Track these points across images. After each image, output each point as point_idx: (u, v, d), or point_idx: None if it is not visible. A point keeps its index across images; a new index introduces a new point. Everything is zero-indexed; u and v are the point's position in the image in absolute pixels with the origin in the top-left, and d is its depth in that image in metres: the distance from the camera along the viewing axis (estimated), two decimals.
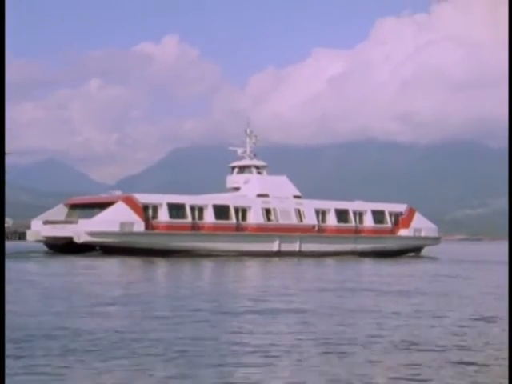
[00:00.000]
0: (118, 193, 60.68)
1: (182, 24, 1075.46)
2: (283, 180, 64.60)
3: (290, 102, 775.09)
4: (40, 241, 59.42)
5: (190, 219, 57.43)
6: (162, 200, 57.25)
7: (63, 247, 56.41)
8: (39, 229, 58.82)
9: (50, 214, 60.59)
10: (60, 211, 60.95)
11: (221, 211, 58.74)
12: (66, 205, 61.46)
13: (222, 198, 60.59)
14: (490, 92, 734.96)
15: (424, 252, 67.75)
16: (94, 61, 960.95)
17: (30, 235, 60.72)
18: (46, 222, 58.57)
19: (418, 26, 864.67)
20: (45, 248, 59.46)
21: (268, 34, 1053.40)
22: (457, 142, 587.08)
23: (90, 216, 57.44)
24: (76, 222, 55.57)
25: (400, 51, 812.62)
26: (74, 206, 61.20)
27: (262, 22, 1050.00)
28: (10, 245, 63.46)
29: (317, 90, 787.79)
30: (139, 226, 55.18)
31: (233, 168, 65.58)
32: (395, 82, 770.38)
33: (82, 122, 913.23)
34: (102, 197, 60.70)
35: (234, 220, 59.15)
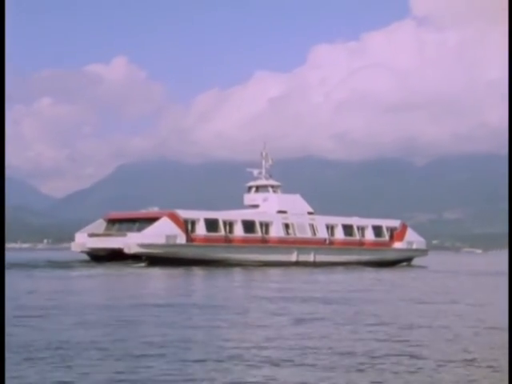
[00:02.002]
0: (156, 209, 63.64)
1: (130, 46, 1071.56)
2: (297, 198, 68.84)
3: (232, 121, 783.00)
4: (84, 252, 61.96)
5: (223, 233, 61.14)
6: (200, 216, 60.81)
7: (106, 257, 59.06)
8: (84, 241, 61.44)
9: (92, 228, 63.26)
10: (99, 225, 63.63)
11: (248, 226, 62.61)
12: (105, 219, 64.17)
13: (248, 214, 64.34)
14: (415, 114, 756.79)
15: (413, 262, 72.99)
16: (45, 80, 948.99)
17: (74, 246, 63.08)
18: (91, 235, 61.27)
19: (350, 53, 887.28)
20: (86, 258, 62.01)
21: (213, 56, 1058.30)
22: (386, 160, 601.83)
23: (129, 230, 60.41)
24: (124, 235, 58.32)
25: (334, 75, 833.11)
26: (112, 221, 63.86)
27: (207, 45, 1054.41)
28: (49, 254, 66.24)
29: (258, 110, 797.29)
30: (181, 238, 58.63)
31: (250, 187, 69.49)
32: (330, 103, 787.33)
33: (33, 138, 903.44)
34: (142, 212, 63.67)
35: (259, 233, 63.11)
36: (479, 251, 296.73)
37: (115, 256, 57.87)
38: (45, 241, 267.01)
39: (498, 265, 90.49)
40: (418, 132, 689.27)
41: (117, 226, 63.19)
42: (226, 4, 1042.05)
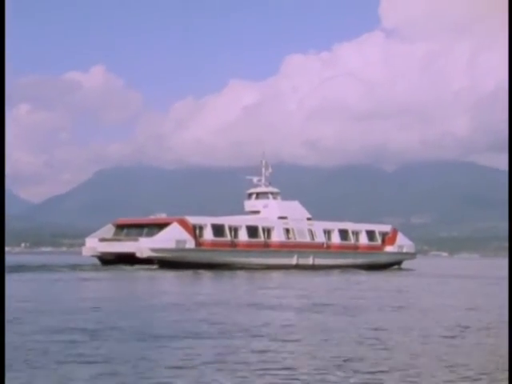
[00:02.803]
0: (164, 215, 64.91)
1: (108, 55, 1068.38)
2: (296, 204, 70.55)
3: (208, 128, 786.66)
4: (94, 256, 63.10)
5: (228, 238, 62.68)
6: (207, 221, 62.26)
7: (116, 261, 60.29)
8: (95, 245, 62.63)
9: (101, 233, 64.42)
10: (108, 230, 64.80)
11: (252, 231, 64.18)
12: (113, 224, 65.35)
13: (251, 220, 65.92)
14: (384, 122, 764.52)
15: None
16: (23, 87, 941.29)
17: (85, 251, 64.16)
18: (102, 240, 62.47)
19: (322, 63, 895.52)
20: (96, 261, 63.16)
21: (189, 65, 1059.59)
22: (357, 166, 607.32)
23: (138, 235, 61.68)
24: (135, 240, 59.53)
25: (306, 84, 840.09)
26: (121, 226, 65.05)
27: (183, 54, 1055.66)
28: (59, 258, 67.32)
29: (233, 118, 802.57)
30: (190, 243, 60.04)
31: (250, 194, 71.05)
32: (302, 111, 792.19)
33: (11, 144, 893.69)
34: (151, 218, 64.95)
35: (262, 238, 64.74)
36: (445, 254, 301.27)
37: (126, 260, 59.13)
38: (22, 244, 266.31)
39: (474, 268, 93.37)
40: (387, 139, 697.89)
41: (125, 231, 64.37)
42: (201, 14, 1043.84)
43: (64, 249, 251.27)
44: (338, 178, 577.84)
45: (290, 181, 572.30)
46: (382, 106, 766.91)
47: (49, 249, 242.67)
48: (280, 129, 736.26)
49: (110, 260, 60.95)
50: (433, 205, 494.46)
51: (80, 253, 66.76)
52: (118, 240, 62.00)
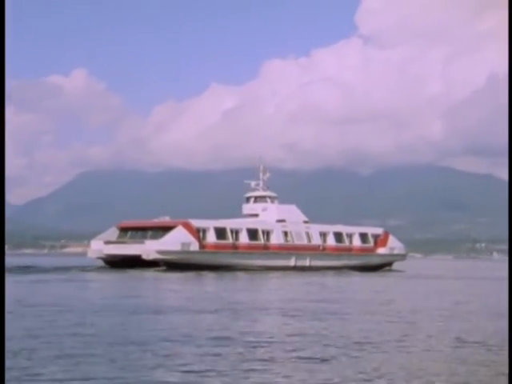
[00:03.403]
0: (167, 218, 65.90)
1: (90, 59, 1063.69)
2: (293, 208, 71.93)
3: (188, 132, 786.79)
4: (100, 258, 63.95)
5: (230, 240, 63.90)
6: (210, 225, 63.40)
7: (121, 263, 61.20)
8: (100, 248, 63.46)
9: (106, 235, 65.26)
10: (112, 233, 65.64)
11: (252, 233, 65.43)
12: (117, 227, 66.23)
13: (251, 223, 67.11)
14: (361, 127, 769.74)
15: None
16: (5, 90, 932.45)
17: (91, 253, 64.95)
18: (107, 242, 63.33)
19: (300, 68, 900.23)
20: (101, 263, 63.98)
21: (169, 69, 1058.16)
22: (334, 169, 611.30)
23: (142, 238, 62.66)
24: (142, 243, 60.48)
25: (285, 89, 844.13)
26: (125, 229, 65.90)
27: (164, 58, 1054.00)
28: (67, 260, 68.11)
29: (212, 121, 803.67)
30: (195, 245, 61.16)
31: (248, 198, 72.27)
32: (281, 115, 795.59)
33: None
34: (154, 221, 65.88)
35: (262, 241, 66.03)
36: (419, 256, 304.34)
37: (131, 262, 60.03)
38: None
39: (455, 269, 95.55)
40: (363, 143, 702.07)
41: (129, 234, 65.22)
42: (183, 19, 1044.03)
43: (45, 251, 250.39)
44: (316, 180, 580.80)
45: (269, 183, 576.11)
46: (358, 111, 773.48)
47: (30, 251, 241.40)
48: (259, 132, 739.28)
49: (115, 262, 61.86)
50: (408, 208, 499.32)
51: (66, 254, 67.49)
52: (123, 242, 62.86)
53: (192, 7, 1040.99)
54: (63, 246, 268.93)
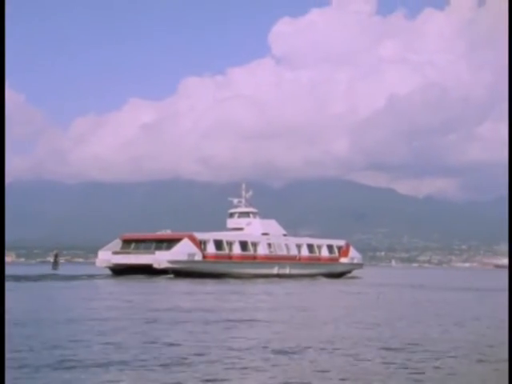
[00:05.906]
0: (169, 231, 71.35)
1: (9, 71, 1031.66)
2: (274, 222, 78.98)
3: (107, 144, 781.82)
4: (108, 267, 68.57)
5: (226, 251, 70.13)
6: (210, 237, 69.37)
7: (128, 272, 66.06)
8: (108, 257, 68.19)
9: (111, 246, 69.94)
10: (116, 244, 70.40)
11: (243, 245, 71.92)
12: (121, 239, 70.94)
13: (242, 236, 73.44)
14: (273, 141, 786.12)
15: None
16: None
17: (99, 262, 69.49)
18: (115, 253, 68.19)
19: (216, 85, 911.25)
20: (109, 272, 68.51)
21: (89, 82, 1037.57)
22: (248, 182, 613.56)
23: (146, 249, 67.88)
24: (152, 253, 65.63)
25: (202, 105, 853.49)
26: (128, 241, 70.70)
27: (84, 71, 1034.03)
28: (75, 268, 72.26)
29: (131, 135, 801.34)
30: (199, 256, 67.04)
31: (232, 213, 78.70)
32: (198, 130, 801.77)
33: None
34: (157, 234, 71.14)
35: (251, 251, 72.59)
36: None
37: (138, 271, 65.03)
38: None
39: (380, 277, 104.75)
40: (275, 157, 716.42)
41: (133, 245, 70.03)
42: (104, 34, 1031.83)
43: None
44: (229, 192, 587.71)
45: (185, 194, 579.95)
46: (271, 127, 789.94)
47: None
48: (176, 146, 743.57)
49: (123, 270, 66.56)
50: (316, 218, 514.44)
51: None
52: (129, 253, 67.80)
53: (115, 24, 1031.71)
54: None
